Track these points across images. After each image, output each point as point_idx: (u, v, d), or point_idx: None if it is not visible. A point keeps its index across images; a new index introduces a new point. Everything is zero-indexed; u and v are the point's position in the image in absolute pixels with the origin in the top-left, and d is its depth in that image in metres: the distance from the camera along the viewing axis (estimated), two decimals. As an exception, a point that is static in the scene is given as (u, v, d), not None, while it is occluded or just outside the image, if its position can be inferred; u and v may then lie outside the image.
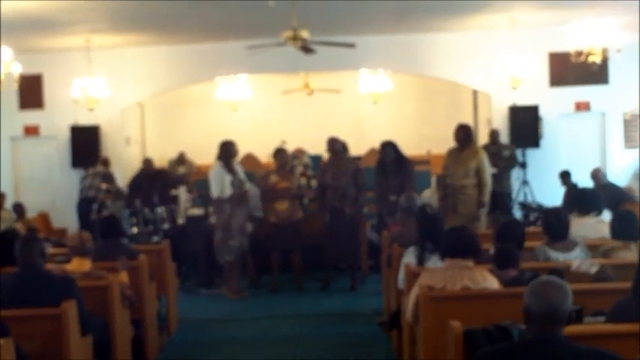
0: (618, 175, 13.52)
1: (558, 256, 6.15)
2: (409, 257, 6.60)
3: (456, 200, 9.96)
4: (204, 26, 12.98)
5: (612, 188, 11.33)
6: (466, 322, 4.37)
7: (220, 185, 10.00)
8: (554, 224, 6.30)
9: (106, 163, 13.75)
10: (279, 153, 10.92)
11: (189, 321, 9.15)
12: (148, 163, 12.28)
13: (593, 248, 6.33)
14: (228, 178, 10.02)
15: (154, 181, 11.94)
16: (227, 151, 10.22)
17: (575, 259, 6.05)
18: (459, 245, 5.48)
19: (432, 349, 5.04)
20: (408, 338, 6.15)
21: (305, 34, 10.27)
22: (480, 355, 3.55)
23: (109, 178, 13.27)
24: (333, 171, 10.59)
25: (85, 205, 13.10)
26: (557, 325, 3.41)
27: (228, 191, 10.01)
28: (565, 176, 12.33)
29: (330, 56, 12.56)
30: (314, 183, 11.79)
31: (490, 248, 6.14)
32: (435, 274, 5.46)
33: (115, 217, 8.35)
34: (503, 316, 4.38)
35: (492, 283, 5.27)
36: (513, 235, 6.05)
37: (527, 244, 6.24)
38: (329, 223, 10.55)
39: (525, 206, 13.30)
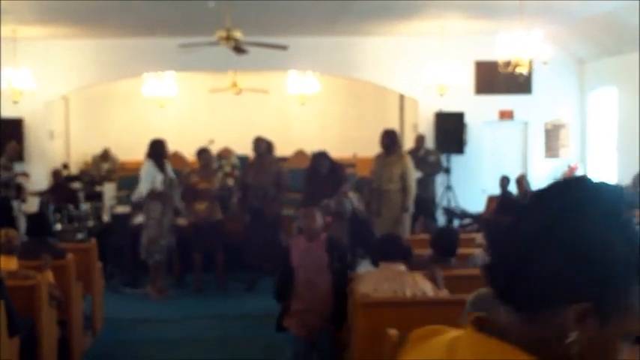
0: (539, 184, 13.80)
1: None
2: (341, 262, 6.65)
3: (381, 204, 10.10)
4: (133, 21, 12.82)
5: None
6: (400, 329, 4.44)
7: (151, 184, 9.92)
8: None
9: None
10: (203, 153, 10.91)
11: (114, 320, 9.05)
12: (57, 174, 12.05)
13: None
14: (159, 177, 9.95)
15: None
16: (158, 150, 10.15)
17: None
18: (392, 250, 5.57)
19: (365, 355, 5.09)
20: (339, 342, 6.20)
21: (238, 34, 10.24)
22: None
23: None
24: (255, 171, 10.61)
25: None
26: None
27: (159, 190, 9.95)
28: (504, 181, 12.37)
29: (260, 56, 12.53)
30: (242, 183, 11.77)
31: (425, 253, 6.25)
32: (370, 278, 5.53)
33: (43, 214, 8.21)
34: (437, 322, 4.43)
35: (426, 287, 5.36)
36: (449, 241, 6.18)
37: (461, 250, 6.38)
38: (249, 223, 10.56)
39: (449, 211, 13.52)
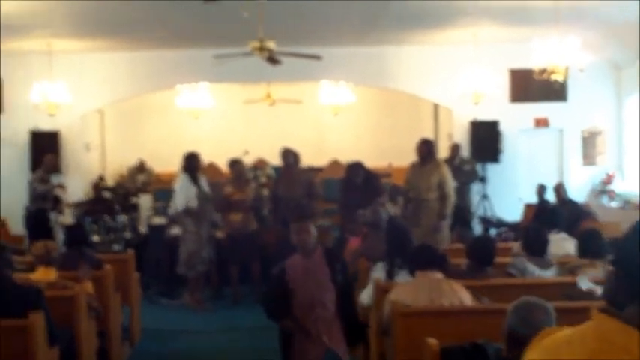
0: (576, 192, 13.67)
1: (535, 270, 6.26)
2: (378, 272, 6.62)
3: (420, 213, 10.04)
4: (167, 33, 12.88)
5: (572, 205, 11.45)
6: (438, 338, 4.41)
7: (186, 198, 9.94)
8: (534, 241, 6.42)
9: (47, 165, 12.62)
10: (235, 164, 10.90)
11: (152, 331, 9.08)
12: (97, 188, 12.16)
13: (560, 265, 6.42)
14: (193, 191, 9.97)
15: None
16: (191, 163, 10.18)
17: (551, 276, 6.17)
18: (427, 258, 5.55)
19: (405, 365, 5.06)
20: (376, 354, 6.16)
21: (271, 44, 10.27)
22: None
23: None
24: (285, 182, 10.59)
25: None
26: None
27: (193, 204, 9.95)
28: (541, 190, 12.24)
29: (294, 67, 12.54)
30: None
31: (462, 263, 6.21)
32: (407, 287, 5.50)
33: (81, 225, 8.27)
34: (475, 331, 4.41)
35: (465, 296, 5.32)
36: (485, 250, 6.13)
37: (498, 259, 6.33)
38: (281, 235, 10.50)
39: (485, 220, 13.42)
